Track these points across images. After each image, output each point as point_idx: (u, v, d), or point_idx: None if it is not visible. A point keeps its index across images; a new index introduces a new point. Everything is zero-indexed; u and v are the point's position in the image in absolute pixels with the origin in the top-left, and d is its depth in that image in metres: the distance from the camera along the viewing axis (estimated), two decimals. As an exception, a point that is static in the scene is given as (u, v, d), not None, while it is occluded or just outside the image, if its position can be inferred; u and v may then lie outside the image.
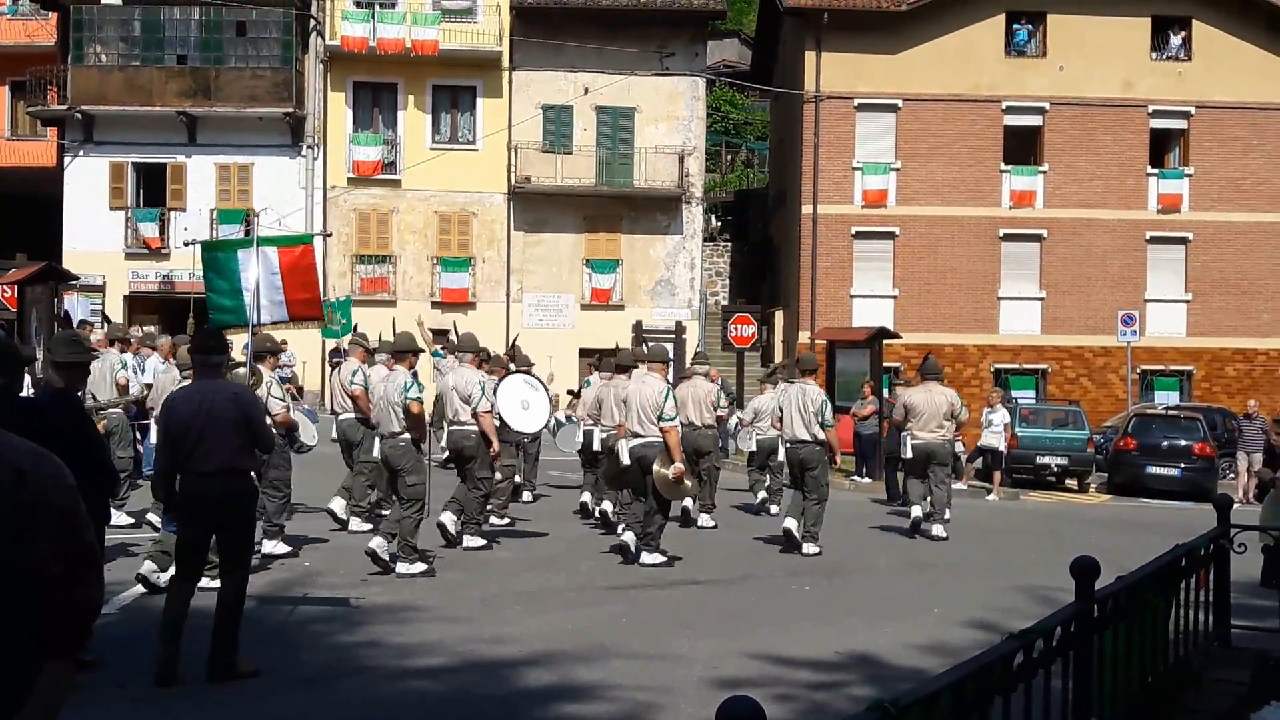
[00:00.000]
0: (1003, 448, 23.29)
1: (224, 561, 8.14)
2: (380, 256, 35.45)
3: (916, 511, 16.20)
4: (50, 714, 2.65)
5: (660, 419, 12.59)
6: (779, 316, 37.72)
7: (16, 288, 23.45)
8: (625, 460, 13.01)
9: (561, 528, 15.28)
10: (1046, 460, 25.24)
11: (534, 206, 35.69)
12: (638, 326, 33.75)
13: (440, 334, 23.58)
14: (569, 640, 9.25)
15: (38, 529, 2.59)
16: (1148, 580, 5.72)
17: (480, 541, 13.40)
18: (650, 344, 15.12)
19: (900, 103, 34.85)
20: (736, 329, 32.09)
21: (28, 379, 20.09)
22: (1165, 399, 33.35)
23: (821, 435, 14.05)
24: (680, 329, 33.63)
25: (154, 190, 35.63)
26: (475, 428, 12.99)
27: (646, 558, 12.76)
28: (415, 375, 12.02)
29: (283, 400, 12.20)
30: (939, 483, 16.11)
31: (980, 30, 35.01)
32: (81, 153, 35.16)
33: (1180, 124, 35.63)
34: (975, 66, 34.91)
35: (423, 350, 13.53)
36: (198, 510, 7.98)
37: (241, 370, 11.43)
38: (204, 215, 35.01)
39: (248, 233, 34.20)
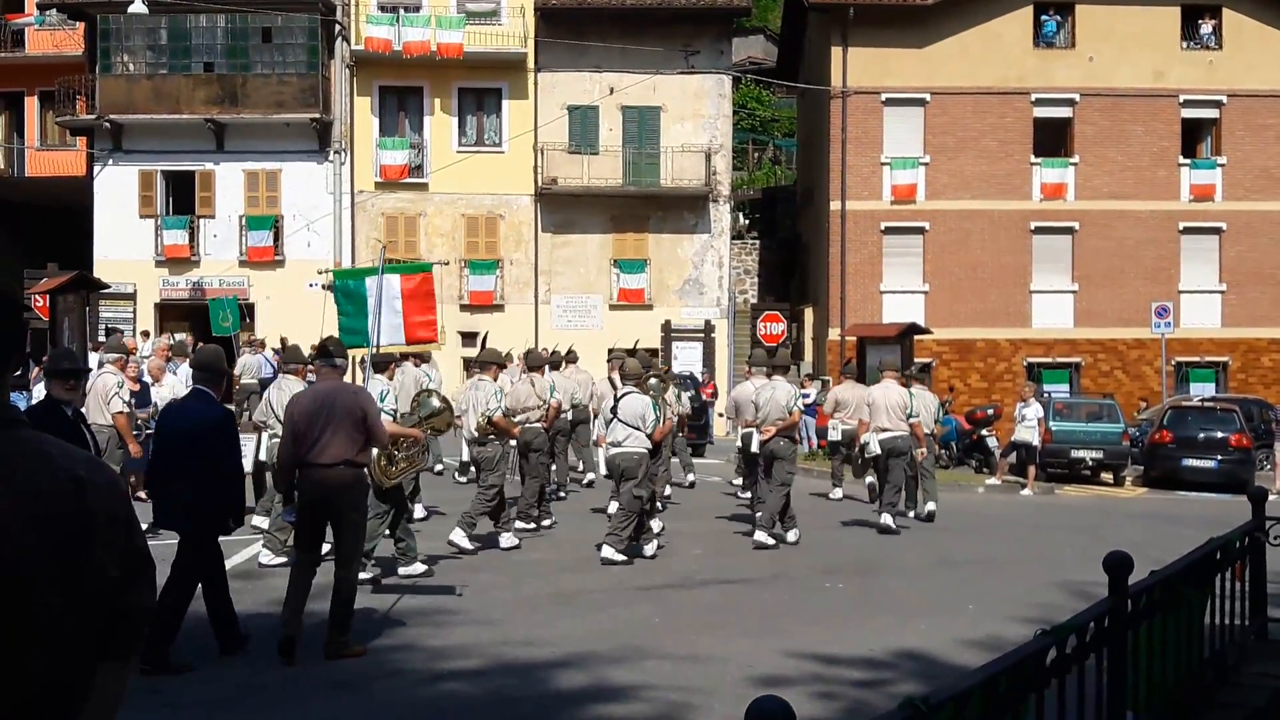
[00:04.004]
0: (1037, 442, 23.12)
1: (339, 549, 8.82)
2: (408, 261, 35.49)
3: (838, 493, 18.62)
4: (109, 715, 2.73)
5: (909, 416, 15.95)
6: (809, 314, 37.62)
7: (48, 297, 23.63)
8: (876, 450, 15.87)
9: (593, 529, 15.24)
10: (1081, 454, 25.05)
11: (561, 207, 35.69)
12: (666, 326, 33.74)
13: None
14: (602, 641, 9.24)
15: (96, 535, 2.64)
16: (1182, 574, 5.66)
17: (774, 540, 14.33)
18: (885, 356, 19.17)
19: (928, 96, 34.69)
20: (766, 327, 32.04)
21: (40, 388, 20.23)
22: (1201, 391, 33.06)
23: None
24: (709, 328, 33.60)
25: (183, 198, 35.80)
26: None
27: (886, 519, 15.62)
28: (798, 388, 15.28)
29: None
30: (893, 476, 16.35)
31: (1008, 22, 34.81)
32: (110, 161, 35.35)
33: (1212, 113, 35.34)
34: (1003, 59, 34.72)
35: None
36: (315, 500, 8.67)
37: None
38: (233, 222, 35.18)
39: (298, 244, 34.43)
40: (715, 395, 29.96)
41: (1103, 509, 20.95)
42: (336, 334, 11.33)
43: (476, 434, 13.26)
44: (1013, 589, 11.79)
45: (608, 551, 12.65)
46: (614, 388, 16.46)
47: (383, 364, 12.88)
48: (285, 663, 8.37)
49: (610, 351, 20.24)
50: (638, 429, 13.03)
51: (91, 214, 35.27)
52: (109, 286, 29.79)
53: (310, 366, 12.24)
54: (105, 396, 13.76)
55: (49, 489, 2.61)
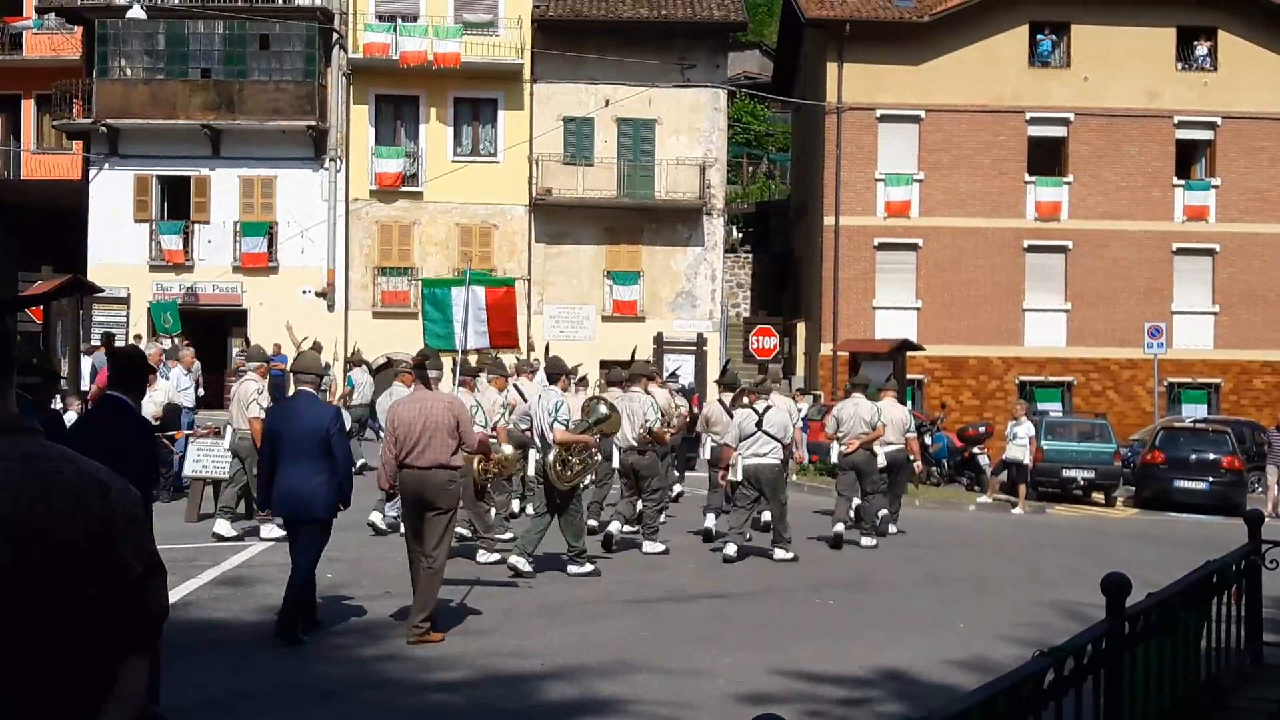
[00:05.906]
0: (1028, 461, 23.12)
1: (427, 540, 9.54)
2: (401, 269, 35.48)
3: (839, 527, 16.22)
4: (133, 707, 2.87)
5: (907, 432, 17.11)
6: (801, 328, 37.63)
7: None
8: (883, 462, 16.49)
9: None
10: (1073, 473, 25.07)
11: (555, 218, 35.68)
12: (659, 338, 33.73)
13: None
14: (591, 654, 9.18)
15: (119, 538, 2.83)
16: (1179, 597, 5.63)
17: (874, 541, 15.84)
18: (879, 374, 21.51)
19: (923, 113, 34.74)
20: (758, 341, 31.98)
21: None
22: (1192, 412, 33.11)
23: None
24: (701, 341, 33.58)
25: (178, 203, 35.76)
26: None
27: (891, 529, 16.73)
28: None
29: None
30: (898, 483, 17.68)
31: (1003, 41, 34.89)
32: (106, 166, 35.30)
33: (1206, 134, 35.43)
34: (999, 77, 34.79)
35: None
36: (415, 497, 9.55)
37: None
38: (227, 228, 35.13)
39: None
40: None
41: (1093, 529, 20.94)
42: (424, 342, 12.58)
43: (635, 443, 14.41)
44: (1003, 608, 11.76)
45: (780, 553, 14.01)
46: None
47: (555, 376, 13.85)
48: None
49: (646, 363, 20.49)
50: (780, 440, 14.11)
51: (86, 217, 35.21)
52: (103, 290, 29.74)
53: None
54: (245, 402, 14.24)
55: (79, 489, 2.80)
